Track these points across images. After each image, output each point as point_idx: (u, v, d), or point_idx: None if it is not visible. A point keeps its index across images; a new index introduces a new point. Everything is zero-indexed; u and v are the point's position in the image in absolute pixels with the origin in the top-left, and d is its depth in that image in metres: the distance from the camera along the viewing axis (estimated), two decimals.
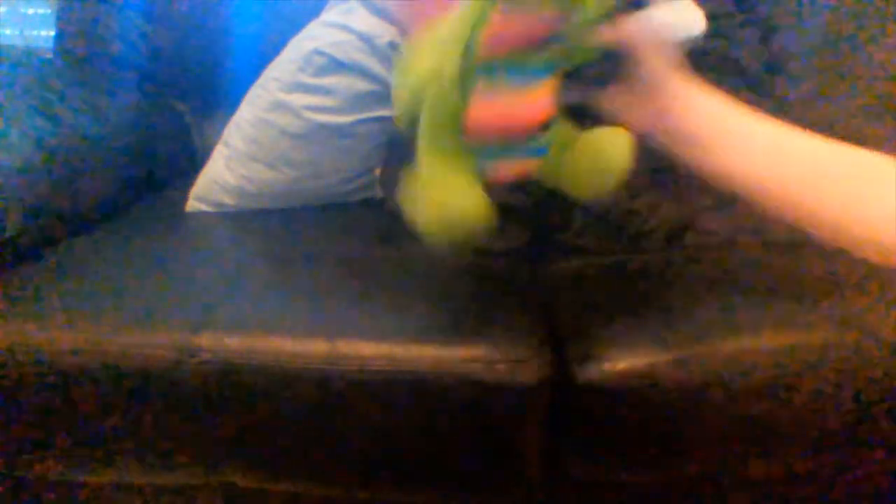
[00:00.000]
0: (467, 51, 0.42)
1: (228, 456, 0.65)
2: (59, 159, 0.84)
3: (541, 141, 0.48)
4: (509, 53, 0.43)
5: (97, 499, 0.69)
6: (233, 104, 0.94)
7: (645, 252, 0.79)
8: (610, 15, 0.48)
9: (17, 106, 0.87)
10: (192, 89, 1.17)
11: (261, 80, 0.92)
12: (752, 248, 0.77)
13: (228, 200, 0.93)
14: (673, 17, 0.68)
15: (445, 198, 0.48)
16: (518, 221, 0.81)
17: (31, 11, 1.52)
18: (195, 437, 0.64)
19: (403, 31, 0.50)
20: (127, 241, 0.83)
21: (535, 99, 0.46)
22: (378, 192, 0.96)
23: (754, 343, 0.62)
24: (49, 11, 1.50)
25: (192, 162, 1.12)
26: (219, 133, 0.96)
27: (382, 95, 0.88)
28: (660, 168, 0.86)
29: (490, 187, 0.49)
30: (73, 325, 0.62)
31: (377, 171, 0.95)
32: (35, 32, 1.53)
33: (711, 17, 0.83)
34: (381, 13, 0.86)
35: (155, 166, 1.06)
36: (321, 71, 0.86)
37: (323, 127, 0.87)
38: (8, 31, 1.52)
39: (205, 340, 0.60)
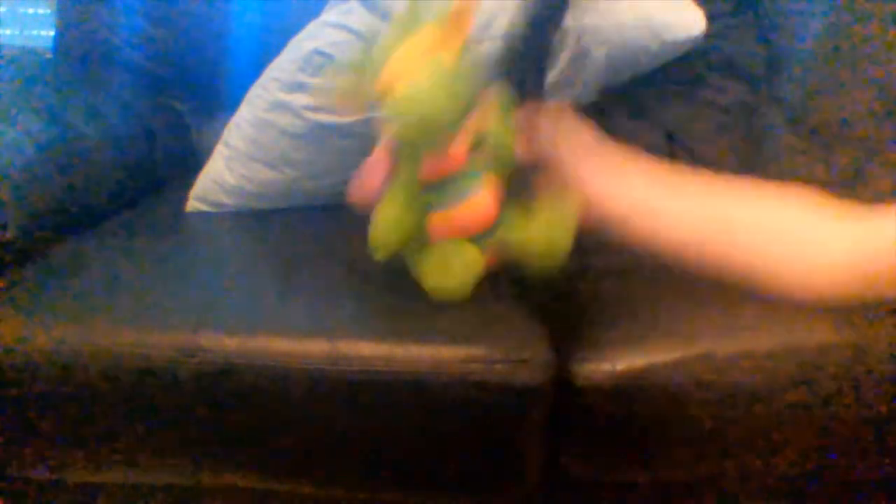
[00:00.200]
0: (411, 187, 0.60)
1: (228, 456, 0.65)
2: (59, 159, 0.84)
3: (496, 234, 0.63)
4: (443, 179, 0.60)
5: (96, 499, 0.69)
6: (233, 104, 0.94)
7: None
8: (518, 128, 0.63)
9: (17, 106, 0.87)
10: (192, 89, 1.17)
11: (261, 80, 0.92)
12: None
13: (228, 200, 0.93)
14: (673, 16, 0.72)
15: (447, 259, 0.62)
16: None
17: (31, 11, 1.52)
18: (195, 437, 0.64)
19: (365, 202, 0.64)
20: (127, 240, 0.83)
21: (476, 208, 0.62)
22: None
23: (754, 343, 0.62)
24: (49, 11, 1.50)
25: (192, 162, 1.11)
26: (219, 133, 0.95)
27: None
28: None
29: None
30: (73, 324, 0.62)
31: None
32: (35, 32, 1.53)
33: (711, 17, 0.84)
34: (381, 13, 0.86)
35: (155, 166, 1.06)
36: (321, 71, 0.86)
37: (323, 127, 0.87)
38: (8, 31, 1.52)
39: (205, 340, 0.60)
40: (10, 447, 0.65)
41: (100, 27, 1.10)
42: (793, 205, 0.59)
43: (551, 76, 0.85)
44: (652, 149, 0.86)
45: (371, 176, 0.63)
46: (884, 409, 0.61)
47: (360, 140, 0.90)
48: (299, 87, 0.87)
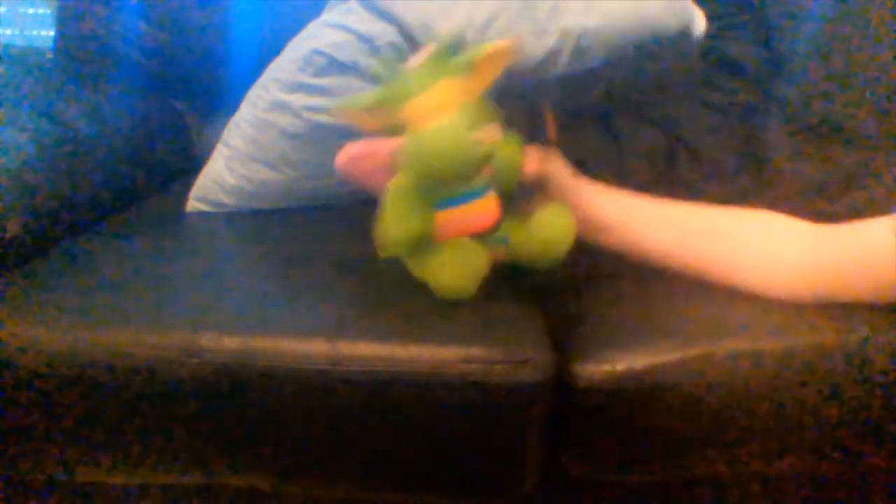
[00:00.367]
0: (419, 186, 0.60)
1: (228, 456, 0.65)
2: (60, 159, 0.84)
3: (498, 235, 0.65)
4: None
5: (96, 499, 0.69)
6: (233, 104, 0.94)
7: None
8: (523, 153, 0.67)
9: (17, 106, 0.87)
10: (192, 89, 1.17)
11: (261, 81, 0.92)
12: None
13: (228, 200, 0.93)
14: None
15: (459, 256, 0.63)
16: None
17: (31, 11, 1.52)
18: (195, 438, 0.64)
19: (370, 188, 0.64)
20: (127, 241, 0.83)
21: (481, 210, 0.64)
22: None
23: (754, 343, 0.62)
24: (49, 11, 1.50)
25: (192, 162, 1.12)
26: (219, 133, 0.95)
27: None
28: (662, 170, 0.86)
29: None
30: (73, 325, 0.62)
31: None
32: (35, 32, 1.53)
33: (711, 17, 0.84)
34: (381, 13, 0.86)
35: (155, 166, 1.06)
36: (321, 71, 0.86)
37: (323, 127, 0.87)
38: (8, 31, 1.52)
39: (205, 341, 0.60)
40: (9, 447, 0.65)
41: (100, 27, 1.10)
42: (757, 219, 0.67)
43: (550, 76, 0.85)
44: (652, 149, 0.87)
45: (369, 158, 0.62)
46: (884, 409, 0.61)
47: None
48: (299, 87, 0.87)
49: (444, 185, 0.61)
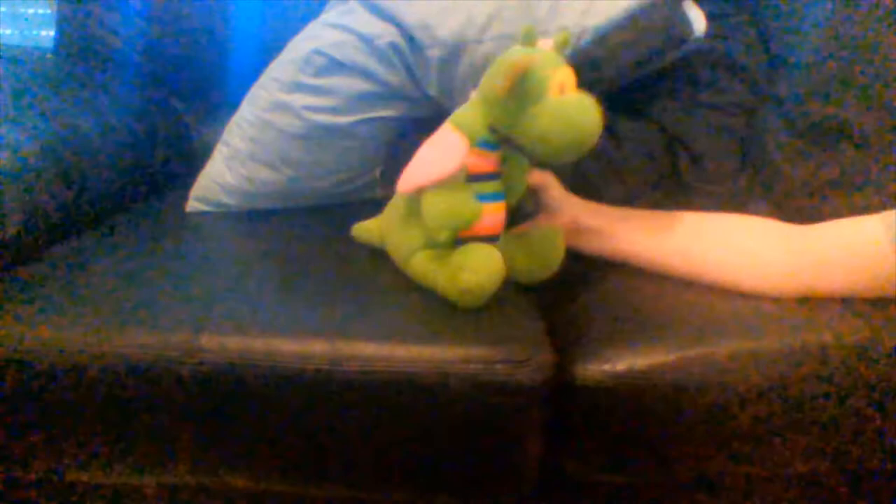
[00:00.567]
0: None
1: (228, 456, 0.65)
2: (59, 159, 0.84)
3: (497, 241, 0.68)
4: (475, 177, 0.64)
5: (95, 499, 0.69)
6: (233, 104, 0.94)
7: None
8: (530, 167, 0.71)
9: (17, 105, 0.87)
10: (192, 89, 1.17)
11: (261, 81, 0.92)
12: None
13: (228, 200, 0.93)
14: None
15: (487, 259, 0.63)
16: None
17: (31, 11, 1.52)
18: (195, 438, 0.64)
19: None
20: (127, 240, 0.83)
21: (496, 212, 0.66)
22: (378, 192, 0.96)
23: (754, 343, 0.62)
24: (49, 11, 1.50)
25: (192, 162, 1.12)
26: (219, 133, 0.96)
27: (382, 96, 0.88)
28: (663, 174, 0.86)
29: None
30: (73, 325, 0.62)
31: (377, 171, 0.96)
32: (35, 32, 1.53)
33: (711, 17, 0.83)
34: (381, 13, 0.86)
35: (155, 166, 1.06)
36: (321, 71, 0.86)
37: (323, 127, 0.87)
38: (8, 31, 1.52)
39: (205, 341, 0.60)
40: (9, 447, 0.65)
41: (100, 27, 1.11)
42: (737, 221, 0.71)
43: None
44: (652, 149, 0.87)
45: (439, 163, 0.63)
46: (885, 408, 0.62)
47: (359, 140, 0.90)
48: (299, 88, 0.87)
49: (576, 154, 0.61)
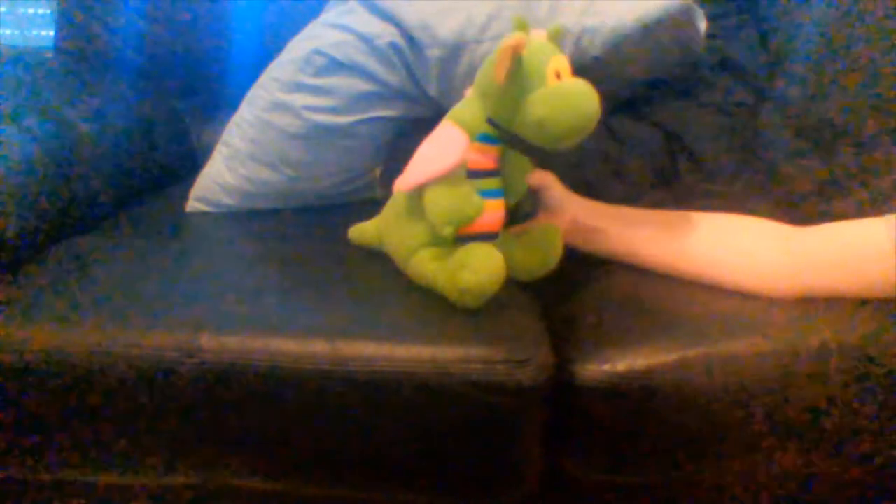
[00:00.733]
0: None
1: (228, 456, 0.65)
2: (60, 159, 0.84)
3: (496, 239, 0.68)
4: (474, 174, 0.64)
5: (95, 499, 0.69)
6: (233, 104, 0.94)
7: None
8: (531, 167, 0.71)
9: (18, 106, 0.87)
10: (192, 89, 1.17)
11: (261, 81, 0.92)
12: None
13: (228, 200, 0.93)
14: None
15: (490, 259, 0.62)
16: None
17: (31, 11, 1.52)
18: (195, 438, 0.64)
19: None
20: (127, 240, 0.83)
21: (496, 209, 0.67)
22: (378, 192, 0.96)
23: (754, 343, 0.62)
24: (49, 11, 1.50)
25: (192, 162, 1.12)
26: (219, 133, 0.96)
27: (382, 96, 0.88)
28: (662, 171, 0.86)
29: None
30: (73, 325, 0.62)
31: (377, 171, 0.96)
32: (35, 32, 1.53)
33: (711, 18, 0.84)
34: (381, 13, 0.86)
35: (155, 166, 1.06)
36: (321, 71, 0.86)
37: (323, 127, 0.87)
38: (8, 32, 1.52)
39: (205, 341, 0.60)
40: (9, 447, 0.65)
41: (100, 27, 1.11)
42: (735, 221, 0.70)
43: None
44: (652, 149, 0.87)
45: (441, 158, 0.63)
46: (886, 409, 0.61)
47: (359, 140, 0.90)
48: (299, 87, 0.87)
49: (576, 139, 0.61)
